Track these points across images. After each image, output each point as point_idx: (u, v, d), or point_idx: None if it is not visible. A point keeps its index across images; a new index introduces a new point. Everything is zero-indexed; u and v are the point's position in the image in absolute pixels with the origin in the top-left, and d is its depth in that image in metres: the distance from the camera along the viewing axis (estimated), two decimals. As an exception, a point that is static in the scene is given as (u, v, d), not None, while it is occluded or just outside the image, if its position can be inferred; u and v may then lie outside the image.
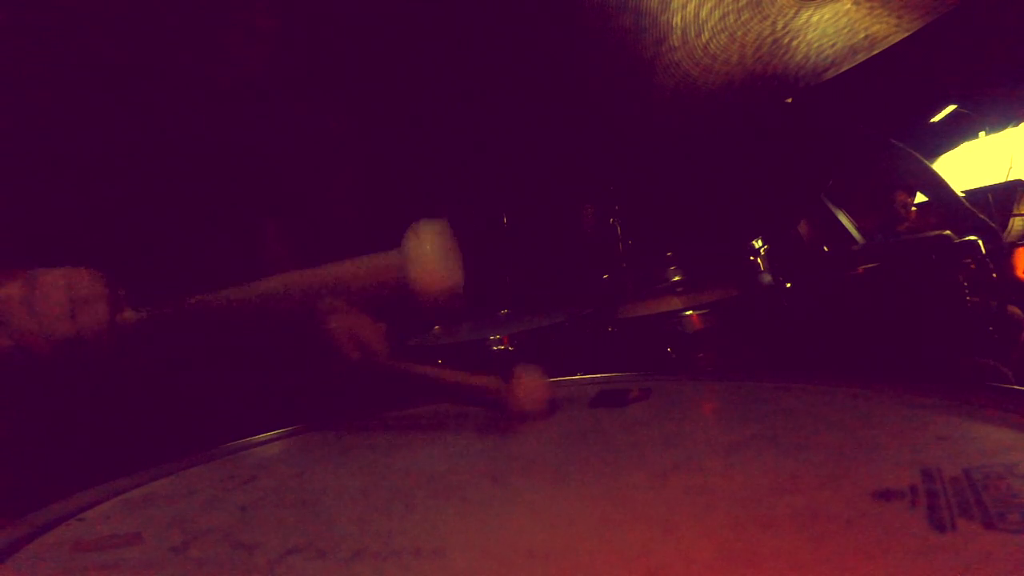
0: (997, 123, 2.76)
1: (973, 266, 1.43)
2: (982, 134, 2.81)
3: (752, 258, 1.52)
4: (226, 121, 1.20)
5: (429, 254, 0.68)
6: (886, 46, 1.21)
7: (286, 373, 1.19)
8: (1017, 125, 2.77)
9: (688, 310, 1.44)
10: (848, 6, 1.17)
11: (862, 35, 1.21)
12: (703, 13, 1.17)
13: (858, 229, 2.04)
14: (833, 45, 1.23)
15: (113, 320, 0.86)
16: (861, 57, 1.23)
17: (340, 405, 0.98)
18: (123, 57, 1.05)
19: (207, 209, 1.19)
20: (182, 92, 1.15)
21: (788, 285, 1.49)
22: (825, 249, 1.97)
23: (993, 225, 2.07)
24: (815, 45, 1.23)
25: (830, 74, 1.27)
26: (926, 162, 2.24)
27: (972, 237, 1.47)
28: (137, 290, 0.91)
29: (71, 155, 1.05)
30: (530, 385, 0.75)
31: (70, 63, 1.01)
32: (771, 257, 1.54)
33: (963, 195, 2.20)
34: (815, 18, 1.19)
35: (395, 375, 0.85)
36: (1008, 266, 1.92)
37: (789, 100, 1.77)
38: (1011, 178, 2.65)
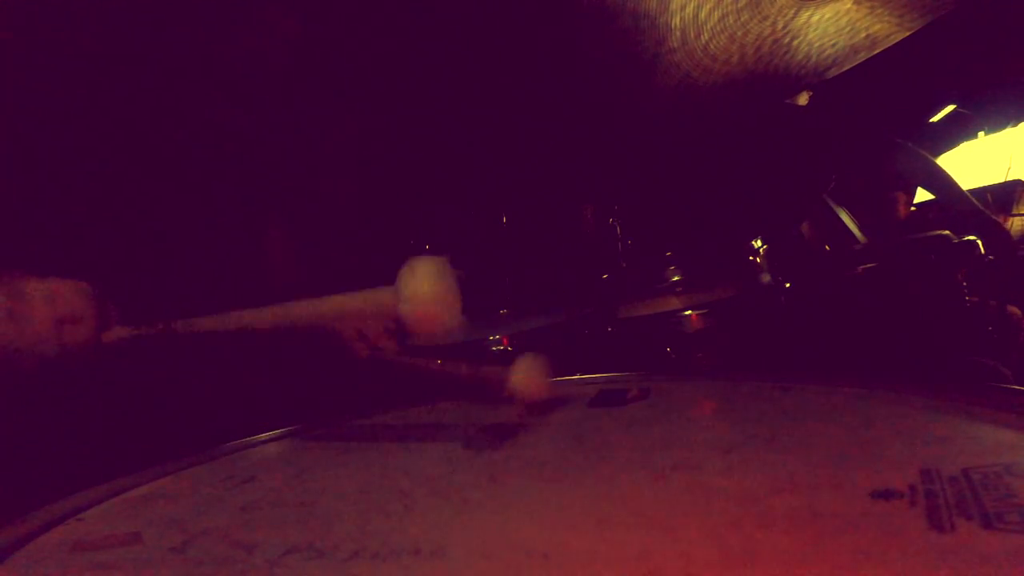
0: (997, 123, 2.76)
1: (973, 266, 1.43)
2: (981, 134, 2.81)
3: (752, 258, 1.52)
4: (228, 122, 1.20)
5: (424, 294, 0.65)
6: (887, 45, 1.21)
7: (286, 373, 1.19)
8: (1017, 125, 2.76)
9: (688, 310, 1.43)
10: (848, 5, 1.17)
11: (863, 35, 1.21)
12: (702, 14, 1.17)
13: (860, 228, 2.04)
14: (834, 45, 1.23)
15: (99, 339, 0.85)
16: (862, 56, 1.23)
17: (340, 405, 0.98)
18: (123, 51, 1.04)
19: (206, 213, 1.18)
20: (184, 90, 1.14)
21: (788, 285, 1.49)
22: (827, 248, 1.96)
23: (999, 220, 2.05)
24: (816, 45, 1.23)
25: (832, 74, 1.27)
26: (934, 160, 2.24)
27: (972, 237, 1.47)
28: (129, 303, 0.90)
29: (64, 155, 1.03)
30: (532, 373, 0.79)
31: (64, 55, 1.00)
32: (771, 257, 1.54)
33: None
34: (815, 18, 1.19)
35: (401, 370, 0.86)
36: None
37: (806, 100, 1.76)
38: (1010, 178, 2.65)
